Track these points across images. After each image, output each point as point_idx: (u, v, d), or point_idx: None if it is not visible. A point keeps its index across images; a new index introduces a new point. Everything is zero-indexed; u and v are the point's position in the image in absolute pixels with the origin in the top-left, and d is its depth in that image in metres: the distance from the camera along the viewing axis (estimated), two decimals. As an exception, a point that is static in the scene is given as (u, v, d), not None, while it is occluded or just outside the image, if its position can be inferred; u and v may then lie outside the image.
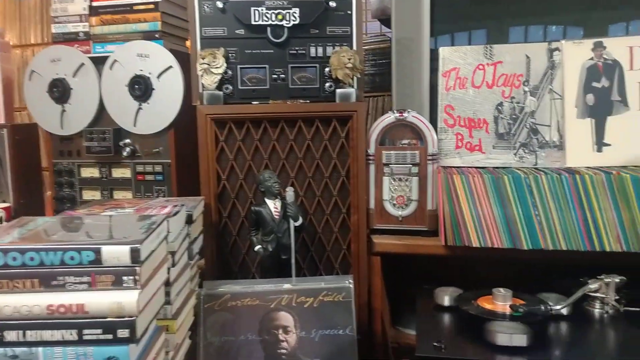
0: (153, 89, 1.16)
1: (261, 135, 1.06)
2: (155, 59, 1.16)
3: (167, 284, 0.73)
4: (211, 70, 1.03)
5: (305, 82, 1.08)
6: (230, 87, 1.07)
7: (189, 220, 0.87)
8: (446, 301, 0.85)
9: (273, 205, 0.97)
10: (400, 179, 1.07)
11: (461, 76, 1.11)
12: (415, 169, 1.05)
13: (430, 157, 1.05)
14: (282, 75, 1.07)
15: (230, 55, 1.06)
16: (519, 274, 1.07)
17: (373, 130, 1.07)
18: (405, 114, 1.05)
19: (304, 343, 0.89)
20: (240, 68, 1.07)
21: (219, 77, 1.04)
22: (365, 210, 1.07)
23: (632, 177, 0.90)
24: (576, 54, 1.05)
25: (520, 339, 0.69)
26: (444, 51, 1.12)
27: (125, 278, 0.58)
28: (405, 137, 1.08)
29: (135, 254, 0.58)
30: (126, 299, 0.58)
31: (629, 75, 1.03)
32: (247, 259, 1.08)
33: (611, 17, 1.12)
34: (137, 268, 0.58)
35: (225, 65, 1.04)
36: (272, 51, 1.07)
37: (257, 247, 0.98)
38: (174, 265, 0.75)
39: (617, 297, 0.83)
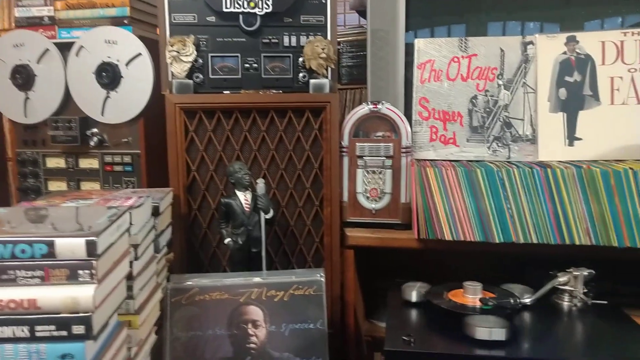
0: (121, 77, 1.12)
1: (232, 126, 1.03)
2: (123, 46, 1.12)
3: (130, 277, 0.70)
4: (181, 58, 1.00)
5: (278, 72, 1.06)
6: (201, 76, 1.04)
7: (155, 212, 0.85)
8: (413, 297, 0.84)
9: (243, 198, 0.94)
10: (373, 172, 1.05)
11: (436, 68, 1.10)
12: (389, 162, 1.04)
13: (404, 150, 1.04)
14: (255, 65, 1.05)
15: (201, 43, 1.03)
16: (492, 266, 1.07)
17: (347, 122, 1.05)
18: (379, 106, 1.04)
19: (274, 337, 0.87)
20: (211, 56, 1.04)
21: (188, 65, 1.01)
22: (339, 203, 1.06)
23: (601, 171, 0.90)
24: (549, 48, 1.05)
25: (499, 333, 0.68)
26: (419, 43, 1.11)
27: (81, 272, 0.56)
28: (380, 129, 1.07)
29: (91, 247, 0.56)
30: (82, 293, 0.55)
31: (600, 70, 1.03)
32: (217, 252, 1.06)
33: (588, 14, 1.12)
34: (93, 262, 0.56)
35: (195, 53, 1.01)
36: (244, 40, 1.05)
37: (227, 240, 0.95)
38: (136, 258, 0.72)
39: (585, 290, 0.84)
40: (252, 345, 0.87)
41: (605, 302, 0.84)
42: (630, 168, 0.89)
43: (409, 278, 1.09)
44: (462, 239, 0.97)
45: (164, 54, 1.01)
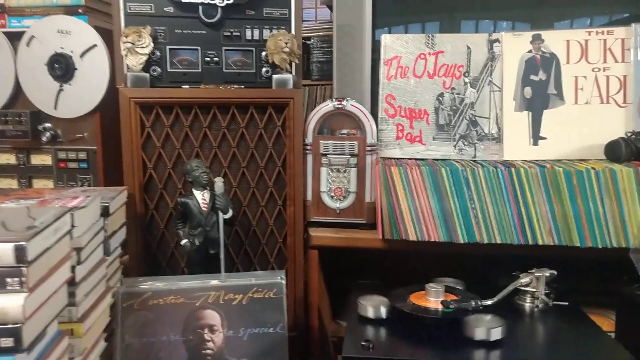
0: (75, 69, 1.07)
1: (192, 122, 0.99)
2: (78, 36, 1.06)
3: (72, 283, 0.66)
4: (136, 50, 0.95)
5: (240, 67, 1.02)
6: (159, 70, 0.99)
7: (105, 213, 0.80)
8: (370, 313, 0.80)
9: (201, 197, 0.91)
10: (338, 170, 1.03)
11: (403, 65, 1.08)
12: (353, 160, 1.02)
13: (369, 148, 1.01)
14: (216, 59, 1.01)
15: (158, 34, 0.99)
16: (458, 266, 1.06)
17: (311, 119, 1.02)
18: (344, 103, 1.01)
19: (232, 342, 0.84)
20: (170, 49, 1.00)
21: (144, 57, 0.96)
22: (302, 202, 1.03)
23: (564, 170, 0.90)
24: (515, 46, 1.04)
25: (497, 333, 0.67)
26: (385, 39, 1.09)
27: (9, 280, 0.51)
28: (345, 126, 1.04)
29: (20, 253, 0.51)
30: (10, 303, 0.51)
31: (565, 69, 1.03)
32: (176, 253, 1.02)
33: (558, 14, 1.11)
34: (23, 268, 0.52)
35: (152, 45, 0.96)
36: (204, 32, 1.00)
37: (184, 241, 0.92)
38: (79, 262, 0.68)
39: (547, 291, 0.83)
40: (209, 352, 0.83)
41: (566, 303, 0.84)
42: (592, 168, 0.89)
43: (375, 278, 1.07)
44: (427, 239, 0.95)
45: (118, 45, 0.96)
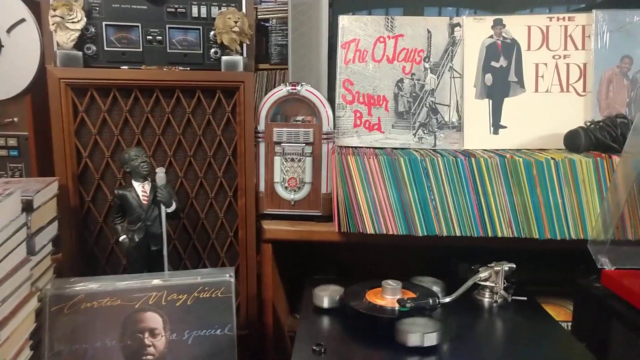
0: (2, 46, 0.96)
1: (132, 106, 0.91)
2: (3, 10, 0.95)
3: (-17, 289, 0.58)
4: (66, 25, 0.85)
5: (186, 47, 0.94)
6: (94, 48, 0.90)
7: (29, 208, 0.72)
8: (325, 303, 0.76)
9: (141, 189, 0.83)
10: (292, 160, 0.97)
11: (361, 48, 1.03)
12: (308, 149, 0.96)
13: (325, 136, 0.96)
14: (159, 37, 0.92)
15: (92, 8, 0.89)
16: (419, 259, 1.04)
17: (263, 105, 0.96)
18: (298, 87, 0.95)
19: (175, 347, 0.78)
20: (106, 25, 0.90)
21: (76, 34, 0.87)
22: (254, 193, 0.96)
23: (524, 160, 0.87)
24: (476, 31, 1.01)
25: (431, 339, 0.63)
26: (343, 20, 1.03)
27: None
28: (300, 113, 0.98)
29: None
30: None
31: (526, 56, 1.00)
32: (117, 250, 0.94)
33: (518, 3, 1.07)
34: None
35: (84, 20, 0.87)
36: (145, 7, 0.92)
37: (122, 237, 0.84)
38: (-8, 266, 0.59)
39: (505, 286, 0.81)
40: (149, 357, 0.77)
41: (525, 298, 0.82)
42: (552, 158, 0.87)
43: (334, 272, 1.03)
44: (385, 232, 0.91)
45: (47, 19, 0.87)
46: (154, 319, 0.78)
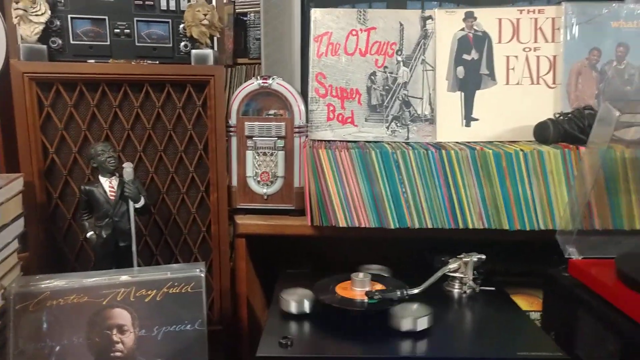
0: (-35, 39, 0.94)
1: (99, 101, 0.89)
2: (-34, 2, 0.93)
3: (-62, 288, 0.56)
4: (29, 17, 0.84)
5: (155, 40, 0.93)
6: (59, 41, 0.88)
7: (-10, 205, 0.70)
8: (293, 308, 0.75)
9: (108, 184, 0.82)
10: (265, 154, 0.97)
11: (333, 42, 1.02)
12: (280, 143, 0.96)
13: (297, 130, 0.96)
14: (127, 30, 0.91)
15: (57, 1, 0.88)
16: (395, 251, 1.04)
17: (234, 99, 0.95)
18: (269, 81, 0.94)
19: (144, 343, 0.77)
20: (72, 18, 0.89)
21: (41, 27, 0.85)
22: (227, 188, 0.96)
23: (494, 152, 0.88)
24: (448, 23, 1.01)
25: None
26: (315, 13, 1.02)
27: None
28: (272, 107, 0.98)
29: None
30: None
31: (497, 49, 1.01)
32: (86, 247, 0.93)
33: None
34: None
35: (49, 12, 0.85)
36: (112, 0, 0.90)
37: (90, 234, 0.83)
38: (-53, 264, 0.58)
39: (475, 277, 0.81)
40: (118, 354, 0.76)
41: (493, 288, 0.83)
42: (521, 150, 0.88)
43: (308, 265, 1.03)
44: (357, 225, 0.91)
45: (10, 12, 0.85)
46: (122, 316, 0.77)
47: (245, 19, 1.99)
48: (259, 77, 0.95)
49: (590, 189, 0.82)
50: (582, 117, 0.90)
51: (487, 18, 1.00)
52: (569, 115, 0.92)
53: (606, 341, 0.70)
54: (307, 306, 0.73)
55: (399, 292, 0.72)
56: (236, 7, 1.97)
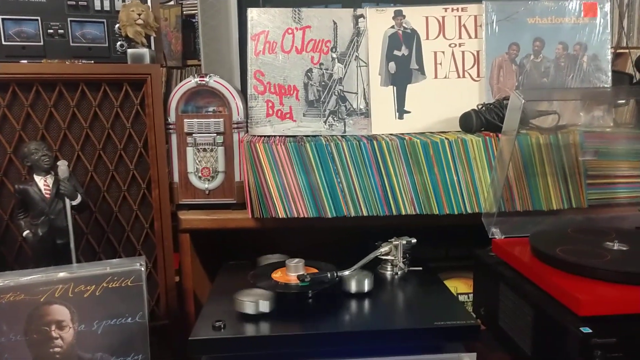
0: None
1: (34, 101, 0.90)
2: None
3: None
4: (-43, 19, 0.83)
5: (90, 40, 0.94)
6: (-10, 42, 0.88)
7: None
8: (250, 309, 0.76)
9: (43, 182, 0.82)
10: (205, 150, 0.99)
11: (270, 40, 1.06)
12: (220, 139, 0.98)
13: (235, 125, 0.98)
14: (60, 31, 0.92)
15: (-13, 2, 0.88)
16: (336, 240, 1.07)
17: (172, 97, 0.97)
18: (206, 79, 0.97)
19: (84, 337, 0.78)
20: (3, 19, 0.89)
21: (-31, 28, 0.85)
22: (168, 184, 0.98)
23: (421, 142, 0.93)
24: (379, 21, 1.06)
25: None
26: (252, 12, 1.05)
27: None
28: (212, 104, 1.00)
29: None
30: None
31: (425, 45, 1.06)
32: (25, 247, 0.92)
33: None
34: None
35: (-22, 13, 0.85)
36: (44, 0, 0.91)
37: (26, 232, 0.83)
38: None
39: (404, 259, 0.87)
40: (57, 349, 0.77)
41: (420, 268, 0.88)
42: (447, 138, 0.93)
43: (254, 257, 1.05)
44: (296, 215, 0.95)
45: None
46: (60, 312, 0.78)
47: (194, 20, 2.00)
48: (196, 75, 0.97)
49: (506, 173, 0.89)
50: (502, 107, 0.97)
51: (415, 16, 1.06)
52: (490, 105, 0.99)
53: (523, 311, 0.76)
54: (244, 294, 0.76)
55: (329, 274, 0.76)
56: (184, 9, 1.98)
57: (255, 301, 0.70)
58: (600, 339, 0.61)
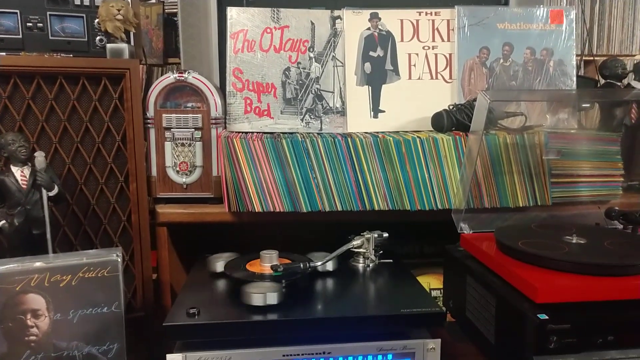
0: None
1: (11, 93, 0.90)
2: None
3: None
4: None
5: (70, 34, 0.95)
6: (-32, 34, 0.89)
7: None
8: (218, 268, 0.82)
9: (20, 173, 0.83)
10: (183, 144, 1.01)
11: (249, 39, 1.08)
12: (198, 134, 1.00)
13: (213, 121, 1.00)
14: (40, 24, 0.93)
15: (-35, -6, 0.88)
16: (314, 234, 1.10)
17: (151, 92, 0.99)
18: (185, 75, 0.99)
19: (60, 326, 0.79)
20: (-19, 11, 0.89)
21: (-53, 19, 0.85)
22: (146, 178, 0.99)
23: (394, 140, 0.97)
24: (355, 23, 1.09)
25: (272, 297, 0.69)
26: (231, 11, 1.07)
27: None
28: (191, 100, 1.02)
29: None
30: None
31: (400, 47, 1.10)
32: (0, 237, 0.93)
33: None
34: None
35: (-44, 5, 0.86)
36: (23, -6, 0.91)
37: (1, 223, 0.84)
38: None
39: (377, 252, 0.90)
40: (32, 338, 0.77)
41: (391, 260, 0.91)
42: (418, 137, 0.97)
43: (231, 251, 1.07)
44: (272, 209, 0.97)
45: None
46: (36, 301, 0.78)
47: (175, 19, 2.01)
48: (175, 71, 0.99)
49: (474, 170, 0.93)
50: (472, 108, 1.01)
51: (390, 19, 1.10)
52: (460, 106, 1.02)
53: (487, 302, 0.80)
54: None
55: (301, 265, 0.78)
56: (165, 7, 1.99)
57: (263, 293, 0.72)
58: (556, 325, 0.65)
